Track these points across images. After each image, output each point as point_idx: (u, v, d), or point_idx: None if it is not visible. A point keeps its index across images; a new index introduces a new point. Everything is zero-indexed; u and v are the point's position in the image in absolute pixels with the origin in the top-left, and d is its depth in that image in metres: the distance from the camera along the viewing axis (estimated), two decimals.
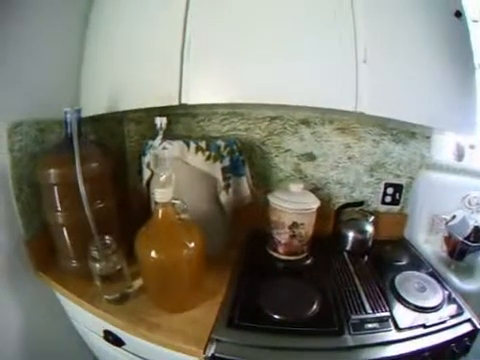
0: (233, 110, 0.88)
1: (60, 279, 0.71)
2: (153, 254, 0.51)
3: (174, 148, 0.55)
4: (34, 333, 0.77)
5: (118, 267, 0.60)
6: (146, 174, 0.67)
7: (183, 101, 0.61)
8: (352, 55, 0.57)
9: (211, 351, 0.50)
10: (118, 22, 0.73)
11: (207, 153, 0.62)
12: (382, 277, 0.68)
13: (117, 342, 0.66)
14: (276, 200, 0.72)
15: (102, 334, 0.68)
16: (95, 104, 0.73)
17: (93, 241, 0.58)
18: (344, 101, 0.59)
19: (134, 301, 0.63)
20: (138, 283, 0.65)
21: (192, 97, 0.61)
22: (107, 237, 0.59)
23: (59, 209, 0.65)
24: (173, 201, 0.50)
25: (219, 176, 0.66)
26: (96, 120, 0.79)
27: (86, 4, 0.80)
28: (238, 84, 0.60)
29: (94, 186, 0.62)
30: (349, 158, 0.90)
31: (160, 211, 0.51)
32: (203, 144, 0.62)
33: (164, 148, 0.53)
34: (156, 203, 0.50)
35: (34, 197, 0.75)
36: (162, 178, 0.48)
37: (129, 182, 1.01)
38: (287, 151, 0.89)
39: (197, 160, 0.61)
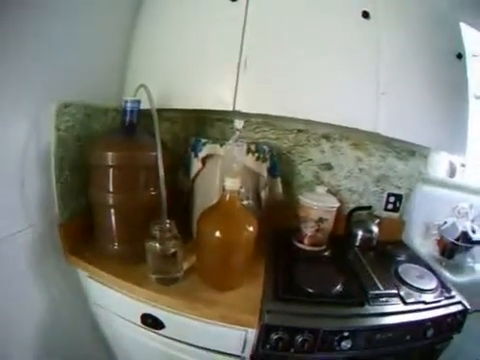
0: (265, 120, 1.09)
1: (98, 263, 0.79)
2: (217, 234, 0.67)
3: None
4: (55, 317, 0.84)
5: (173, 250, 0.71)
6: (195, 168, 0.85)
7: (237, 108, 0.79)
8: (374, 88, 0.82)
9: (265, 320, 0.67)
10: (167, 23, 0.87)
11: (256, 154, 0.83)
12: (387, 267, 0.92)
13: (156, 325, 0.76)
14: (306, 199, 0.98)
15: (138, 319, 0.78)
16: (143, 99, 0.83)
17: (155, 222, 0.71)
18: (366, 123, 0.83)
19: (182, 283, 0.75)
20: (185, 266, 0.78)
21: (246, 105, 0.79)
22: (168, 221, 0.73)
23: (111, 190, 0.75)
24: (240, 189, 0.69)
25: (265, 174, 0.86)
26: None
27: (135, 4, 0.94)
28: (287, 100, 0.79)
29: (151, 174, 0.75)
30: (360, 170, 1.15)
31: (228, 197, 0.69)
32: (253, 147, 0.83)
33: (238, 145, 0.73)
34: (224, 190, 0.69)
35: (75, 180, 0.84)
36: (236, 169, 0.68)
37: None
38: (309, 160, 1.12)
39: (249, 160, 0.81)
